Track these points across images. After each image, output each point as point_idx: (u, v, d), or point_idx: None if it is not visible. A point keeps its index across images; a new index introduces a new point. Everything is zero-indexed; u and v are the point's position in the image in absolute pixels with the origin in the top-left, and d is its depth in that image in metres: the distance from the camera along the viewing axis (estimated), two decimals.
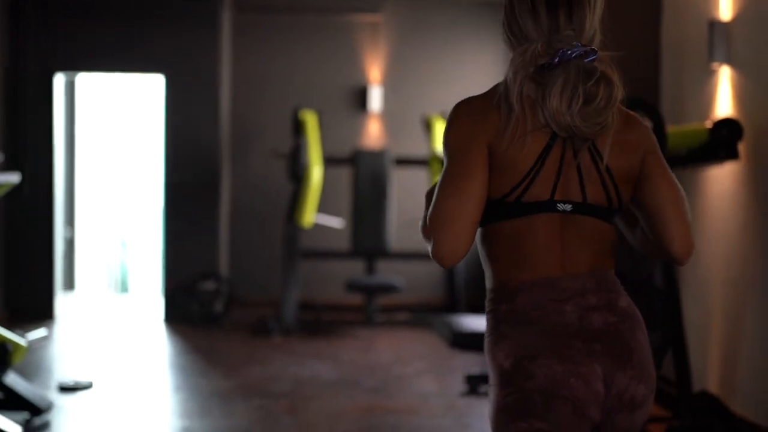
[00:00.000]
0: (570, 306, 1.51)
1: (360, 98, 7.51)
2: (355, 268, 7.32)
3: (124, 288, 9.25)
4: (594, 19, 1.55)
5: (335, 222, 6.91)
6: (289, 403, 4.35)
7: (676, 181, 1.58)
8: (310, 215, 6.50)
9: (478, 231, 1.57)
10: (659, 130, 3.73)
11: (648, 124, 3.77)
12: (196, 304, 6.85)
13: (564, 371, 1.48)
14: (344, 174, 7.33)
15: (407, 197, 7.31)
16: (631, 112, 1.60)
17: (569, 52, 1.49)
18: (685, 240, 1.56)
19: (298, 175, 6.46)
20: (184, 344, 6.08)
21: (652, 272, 3.92)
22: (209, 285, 6.91)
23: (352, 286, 6.60)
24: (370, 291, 6.69)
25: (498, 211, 1.54)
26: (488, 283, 1.59)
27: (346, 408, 4.30)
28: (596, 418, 1.50)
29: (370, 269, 6.91)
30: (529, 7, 1.54)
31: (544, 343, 1.49)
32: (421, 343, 6.18)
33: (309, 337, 6.29)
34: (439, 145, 6.68)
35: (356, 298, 7.31)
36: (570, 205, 1.53)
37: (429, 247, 1.53)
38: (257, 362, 5.39)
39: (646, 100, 3.83)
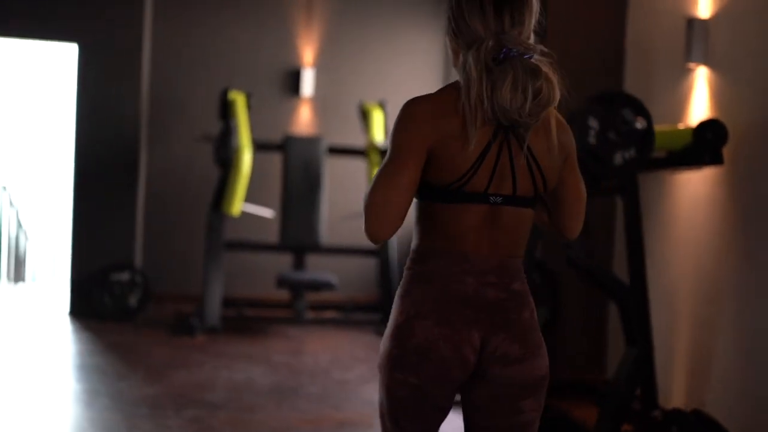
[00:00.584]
0: (471, 279, 1.70)
1: (292, 81, 7.05)
2: (283, 263, 6.87)
3: (20, 277, 8.49)
4: (533, 22, 1.72)
5: (265, 212, 6.44)
6: (228, 415, 3.88)
7: (582, 181, 1.82)
8: (238, 204, 6.02)
9: (416, 202, 1.74)
10: (649, 128, 3.47)
11: (642, 123, 3.57)
12: (107, 297, 6.25)
13: (438, 334, 1.68)
14: (274, 161, 6.85)
15: (341, 188, 6.90)
16: (561, 117, 1.76)
17: (513, 50, 1.64)
18: (575, 228, 1.85)
19: (226, 159, 5.95)
20: (94, 342, 5.49)
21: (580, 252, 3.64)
22: (123, 276, 6.32)
23: (282, 282, 6.14)
24: (301, 287, 6.25)
25: (438, 195, 1.70)
26: (412, 246, 1.76)
27: (292, 420, 3.86)
28: (461, 379, 1.71)
29: (300, 264, 6.47)
30: (477, 8, 1.68)
31: (433, 307, 1.69)
32: (357, 344, 5.79)
33: (235, 337, 5.81)
34: (376, 136, 6.31)
35: (283, 295, 6.86)
36: (501, 198, 1.70)
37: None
38: (182, 365, 4.88)
39: (635, 98, 3.54)
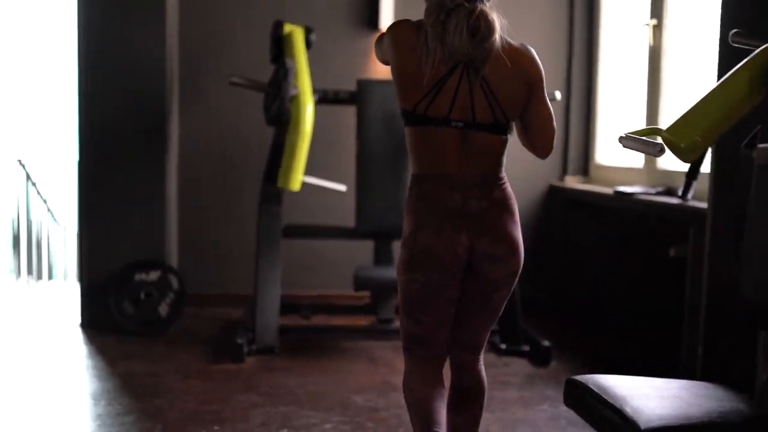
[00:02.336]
0: (458, 194, 2.13)
1: (366, 11, 5.35)
2: (361, 254, 5.22)
3: (40, 273, 7.04)
4: None
5: (336, 186, 4.77)
6: None
7: (547, 107, 2.17)
8: (299, 174, 4.38)
9: (406, 130, 2.17)
10: None
11: None
12: (129, 304, 4.70)
13: (435, 239, 2.13)
14: (345, 117, 5.19)
15: None
16: (523, 49, 2.14)
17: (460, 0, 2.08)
18: (543, 149, 2.23)
19: (281, 114, 4.31)
20: (101, 372, 3.94)
21: None
22: (150, 276, 4.76)
23: (362, 281, 4.46)
24: (387, 288, 4.58)
25: (412, 119, 2.13)
26: (411, 171, 2.21)
27: None
28: (457, 272, 2.15)
29: (384, 256, 4.78)
30: None
31: (430, 220, 2.14)
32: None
33: (298, 361, 4.17)
34: None
35: (362, 296, 5.23)
36: (462, 123, 2.10)
37: None
38: (218, 416, 3.28)
39: None
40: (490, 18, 2.04)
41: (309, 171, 4.72)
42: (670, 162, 4.22)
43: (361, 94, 4.71)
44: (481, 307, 2.22)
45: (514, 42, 2.12)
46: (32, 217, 6.85)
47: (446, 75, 2.06)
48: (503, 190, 2.17)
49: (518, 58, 2.09)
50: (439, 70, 2.06)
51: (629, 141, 2.16)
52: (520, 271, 2.19)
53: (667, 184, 4.24)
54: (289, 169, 4.36)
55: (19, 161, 6.78)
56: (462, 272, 2.15)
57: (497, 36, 2.06)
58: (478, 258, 2.13)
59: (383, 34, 2.18)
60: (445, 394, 2.27)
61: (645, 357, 4.19)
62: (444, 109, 2.07)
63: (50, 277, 7.26)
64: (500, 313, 2.27)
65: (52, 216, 7.89)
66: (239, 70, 4.94)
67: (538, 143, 2.19)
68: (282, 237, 4.63)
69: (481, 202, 2.12)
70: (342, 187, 4.66)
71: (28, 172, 6.84)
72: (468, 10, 2.04)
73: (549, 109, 2.16)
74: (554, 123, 2.18)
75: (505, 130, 2.14)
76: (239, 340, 4.15)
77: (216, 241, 5.34)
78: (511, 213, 2.16)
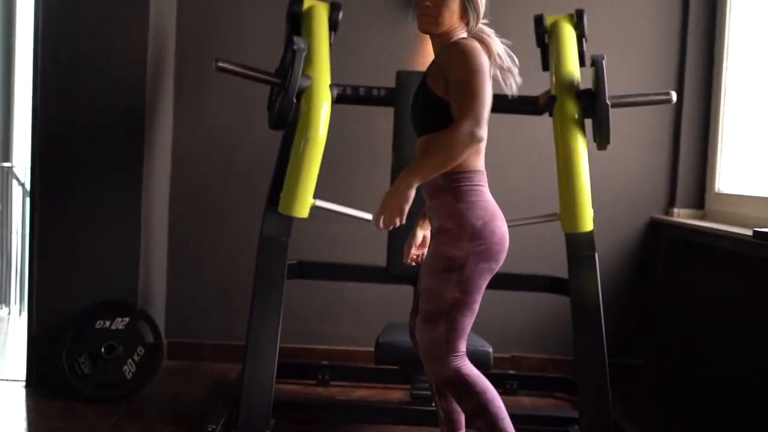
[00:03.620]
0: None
1: None
2: (394, 302, 4.00)
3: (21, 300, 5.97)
4: None
5: (361, 214, 3.52)
6: None
7: (458, 98, 2.23)
8: (307, 194, 3.18)
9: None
10: None
11: None
12: (87, 360, 3.57)
13: (505, 230, 2.32)
14: (378, 122, 3.99)
15: (501, 165, 3.93)
16: (456, 44, 2.28)
17: None
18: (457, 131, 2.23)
19: (285, 113, 3.12)
20: None
21: None
22: (116, 324, 3.62)
23: (387, 352, 3.22)
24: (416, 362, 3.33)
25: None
26: (463, 168, 2.29)
27: None
28: None
29: None
30: None
31: (495, 211, 2.31)
32: None
33: None
34: (568, 69, 3.34)
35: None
36: None
37: (478, 131, 2.19)
38: None
39: None
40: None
41: (325, 192, 3.53)
42: None
43: (401, 91, 3.51)
44: None
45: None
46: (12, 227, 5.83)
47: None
48: None
49: (443, 51, 2.37)
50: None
51: None
52: None
53: None
54: (293, 189, 3.17)
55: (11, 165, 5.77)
56: None
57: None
58: None
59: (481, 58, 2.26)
60: None
61: None
62: None
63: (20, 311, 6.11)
64: None
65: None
66: (245, 57, 3.78)
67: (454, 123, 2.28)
68: (292, 276, 3.46)
69: None
70: (369, 216, 3.42)
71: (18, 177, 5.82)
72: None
73: (459, 99, 2.26)
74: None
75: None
76: (210, 427, 2.95)
77: (216, 276, 4.19)
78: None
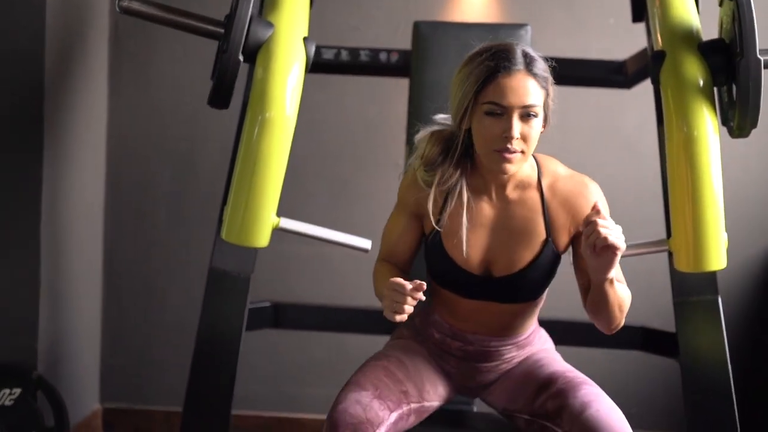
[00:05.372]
0: None
1: None
2: None
3: None
4: None
5: (355, 241, 2.26)
6: None
7: None
8: (265, 210, 1.97)
9: None
10: None
11: None
12: None
13: None
14: (387, 104, 2.81)
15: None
16: (585, 184, 1.82)
17: None
18: None
19: (225, 80, 1.93)
20: None
21: None
22: (1, 399, 2.48)
23: None
24: None
25: None
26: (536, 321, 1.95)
27: None
28: None
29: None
30: None
31: None
32: None
33: None
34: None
35: None
36: None
37: None
38: None
39: None
40: None
41: (307, 209, 2.35)
42: None
43: (421, 53, 2.33)
44: None
45: None
46: None
47: None
48: None
49: None
50: None
51: None
52: None
53: None
54: (241, 203, 1.97)
55: None
56: None
57: None
58: None
59: None
60: None
61: None
62: None
63: None
64: None
65: None
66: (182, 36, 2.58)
67: None
68: (262, 325, 2.47)
69: None
70: (366, 244, 2.16)
71: None
72: None
73: None
74: None
75: None
76: None
77: (172, 316, 3.03)
78: None
